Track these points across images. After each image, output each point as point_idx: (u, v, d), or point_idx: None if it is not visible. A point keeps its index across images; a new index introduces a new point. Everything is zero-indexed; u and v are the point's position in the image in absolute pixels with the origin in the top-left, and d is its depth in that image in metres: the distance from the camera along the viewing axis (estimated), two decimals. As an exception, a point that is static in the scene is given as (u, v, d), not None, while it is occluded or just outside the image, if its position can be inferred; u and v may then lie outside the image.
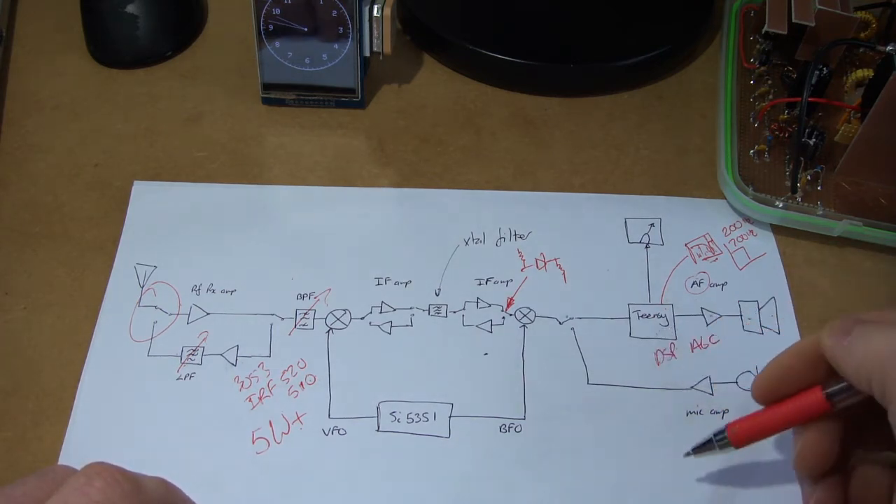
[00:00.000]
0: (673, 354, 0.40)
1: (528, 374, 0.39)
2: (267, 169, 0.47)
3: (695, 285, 0.43)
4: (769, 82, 0.49)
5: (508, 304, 0.41)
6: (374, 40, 0.46)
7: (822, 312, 0.42)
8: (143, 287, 0.41)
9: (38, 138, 0.48)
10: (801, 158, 0.44)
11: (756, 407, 0.34)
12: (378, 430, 0.37)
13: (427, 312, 0.41)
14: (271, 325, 0.40)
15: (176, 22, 0.53)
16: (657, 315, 0.41)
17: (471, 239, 0.44)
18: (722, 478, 0.36)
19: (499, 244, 0.44)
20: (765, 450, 0.37)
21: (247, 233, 0.44)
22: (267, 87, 0.49)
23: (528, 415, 0.38)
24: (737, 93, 0.49)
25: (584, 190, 0.46)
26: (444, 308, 0.41)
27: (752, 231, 0.45)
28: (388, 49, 0.47)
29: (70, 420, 0.37)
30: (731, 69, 0.50)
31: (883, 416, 0.28)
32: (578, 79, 0.51)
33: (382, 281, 0.42)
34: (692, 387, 0.39)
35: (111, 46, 0.52)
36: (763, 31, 0.47)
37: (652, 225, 0.45)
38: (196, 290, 0.41)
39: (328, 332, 0.40)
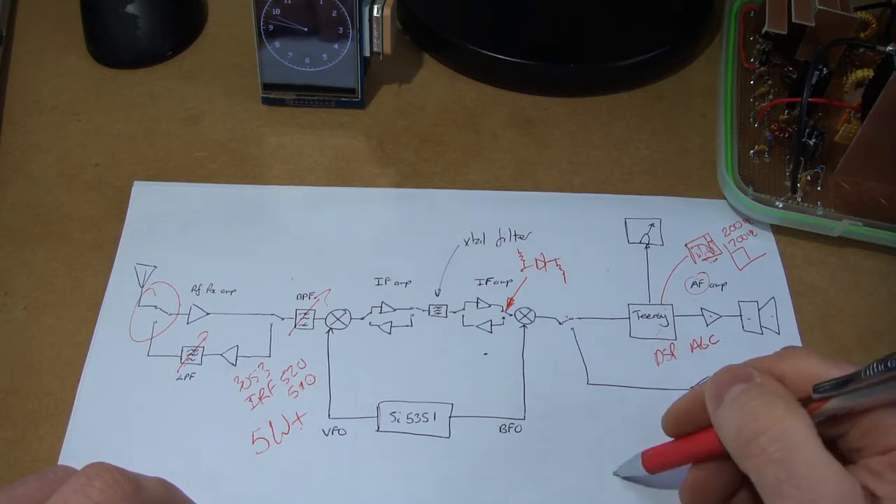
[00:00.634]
0: (673, 354, 0.40)
1: (528, 375, 0.39)
2: (267, 169, 0.47)
3: (695, 285, 0.43)
4: (769, 82, 0.49)
5: (508, 305, 0.41)
6: (374, 40, 0.46)
7: (822, 312, 0.42)
8: (143, 287, 0.41)
9: (38, 138, 0.48)
10: (801, 158, 0.44)
11: None
12: (378, 430, 0.37)
13: (427, 312, 0.41)
14: (271, 325, 0.40)
15: (176, 22, 0.53)
16: (657, 315, 0.41)
17: (471, 239, 0.44)
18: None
19: (499, 244, 0.44)
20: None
21: (247, 233, 0.44)
22: (267, 87, 0.49)
23: (528, 415, 0.38)
24: (737, 93, 0.49)
25: (584, 190, 0.46)
26: (444, 308, 0.41)
27: (752, 231, 0.45)
28: (388, 49, 0.47)
29: (70, 420, 0.37)
30: (731, 69, 0.50)
31: None
32: (578, 79, 0.51)
33: (382, 281, 0.42)
34: (692, 387, 0.39)
35: (111, 46, 0.52)
36: (763, 31, 0.47)
37: (652, 225, 0.45)
38: (196, 290, 0.41)
39: (328, 332, 0.40)
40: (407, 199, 0.45)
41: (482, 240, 0.44)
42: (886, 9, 0.49)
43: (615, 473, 0.36)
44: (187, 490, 0.28)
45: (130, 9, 0.52)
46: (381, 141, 0.48)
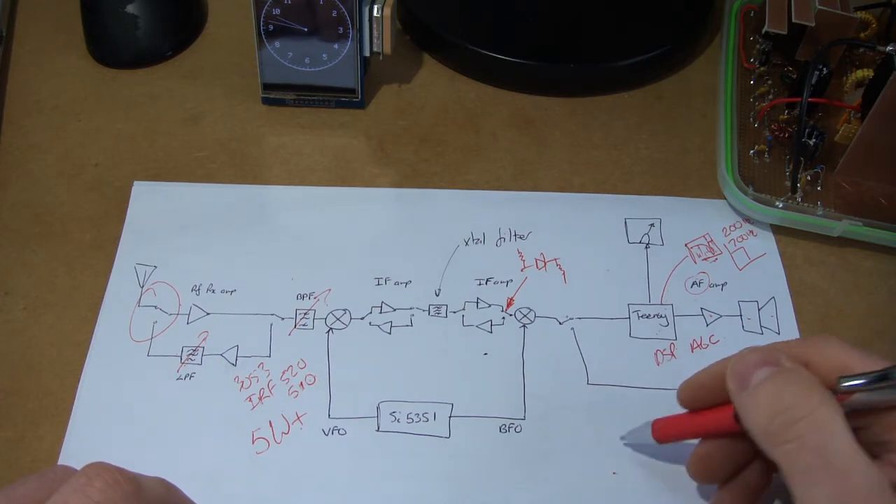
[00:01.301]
0: (673, 355, 0.40)
1: (528, 374, 0.39)
2: (267, 169, 0.47)
3: (695, 285, 0.43)
4: (769, 82, 0.49)
5: (508, 305, 0.41)
6: (374, 40, 0.46)
7: (822, 312, 0.42)
8: (143, 287, 0.41)
9: (38, 138, 0.48)
10: (801, 158, 0.44)
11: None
12: (378, 430, 0.37)
13: (427, 312, 0.41)
14: (271, 325, 0.40)
15: (176, 22, 0.53)
16: (657, 315, 0.41)
17: (471, 239, 0.44)
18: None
19: (499, 244, 0.44)
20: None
21: (247, 233, 0.44)
22: (267, 87, 0.49)
23: (528, 415, 0.38)
24: (737, 93, 0.49)
25: (584, 190, 0.46)
26: (444, 308, 0.41)
27: (752, 231, 0.45)
28: (388, 49, 0.47)
29: (70, 420, 0.37)
30: (731, 69, 0.50)
31: None
32: (578, 79, 0.51)
33: (382, 281, 0.42)
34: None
35: (111, 46, 0.52)
36: (763, 31, 0.47)
37: (652, 225, 0.45)
38: (196, 290, 0.41)
39: (328, 332, 0.40)
40: (407, 199, 0.45)
41: (482, 240, 0.44)
42: (886, 9, 0.49)
43: (622, 438, 0.37)
44: (187, 490, 0.28)
45: (130, 9, 0.52)
46: (381, 141, 0.48)
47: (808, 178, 0.45)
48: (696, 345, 0.41)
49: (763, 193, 0.44)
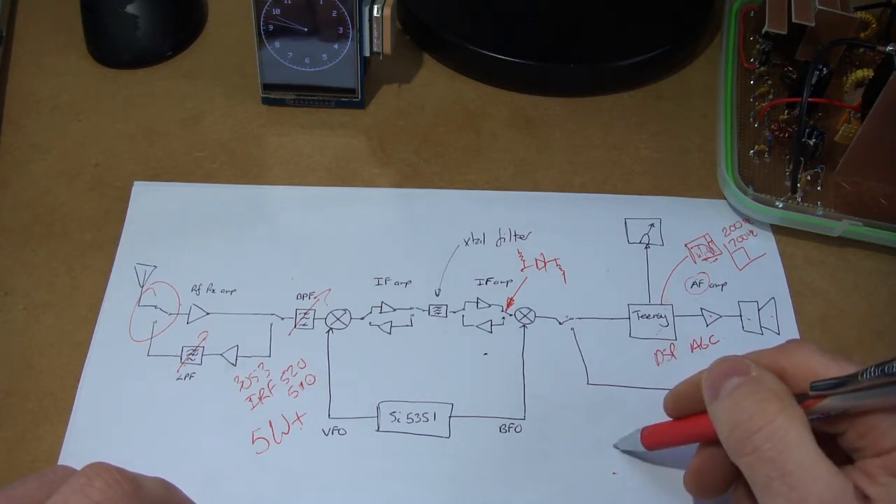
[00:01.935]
0: (673, 355, 0.40)
1: (528, 375, 0.39)
2: (267, 169, 0.47)
3: (695, 286, 0.43)
4: (769, 82, 0.49)
5: (508, 305, 0.41)
6: (374, 40, 0.46)
7: (822, 312, 0.42)
8: (142, 287, 0.41)
9: (38, 138, 0.48)
10: (801, 158, 0.44)
11: None
12: (378, 430, 0.37)
13: (427, 312, 0.41)
14: (271, 325, 0.40)
15: (176, 22, 0.53)
16: (657, 315, 0.41)
17: (471, 239, 0.44)
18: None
19: (499, 244, 0.44)
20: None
21: (247, 233, 0.44)
22: (267, 87, 0.49)
23: (528, 415, 0.38)
24: (737, 93, 0.49)
25: (584, 190, 0.46)
26: (444, 308, 0.41)
27: (752, 231, 0.45)
28: (388, 49, 0.47)
29: (70, 420, 0.37)
30: (731, 69, 0.50)
31: None
32: (578, 79, 0.51)
33: (382, 281, 0.42)
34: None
35: (111, 46, 0.52)
36: (763, 31, 0.47)
37: (652, 225, 0.45)
38: (196, 290, 0.41)
39: (328, 332, 0.40)
40: (407, 199, 0.45)
41: (482, 240, 0.44)
42: (886, 9, 0.49)
43: (615, 446, 0.37)
44: (187, 490, 0.28)
45: (130, 9, 0.52)
46: (381, 141, 0.48)
47: (808, 178, 0.45)
48: (696, 345, 0.41)
49: (763, 193, 0.44)
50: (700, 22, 0.53)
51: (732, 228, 0.45)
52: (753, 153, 0.46)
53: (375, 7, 0.45)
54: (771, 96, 0.49)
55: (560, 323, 0.41)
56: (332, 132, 0.49)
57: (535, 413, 0.38)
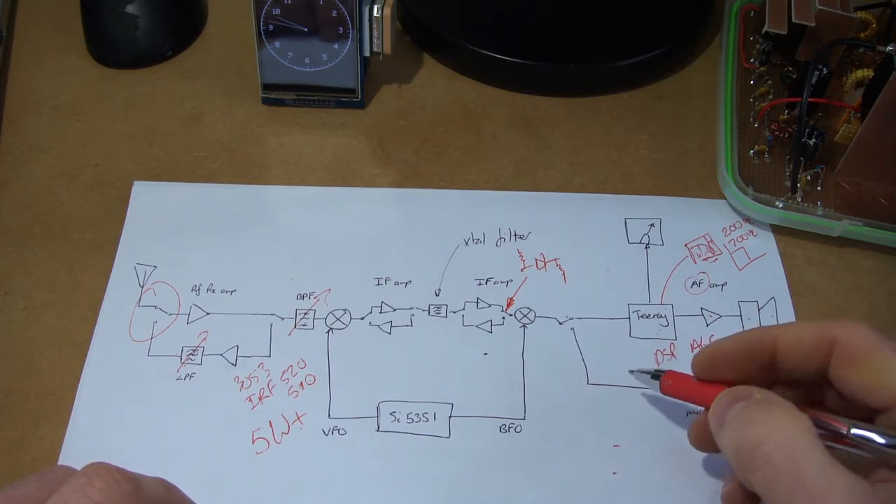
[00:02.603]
0: (673, 354, 0.40)
1: (528, 375, 0.39)
2: (267, 169, 0.47)
3: (695, 285, 0.43)
4: (769, 82, 0.49)
5: (508, 305, 0.41)
6: (374, 40, 0.46)
7: (822, 312, 0.42)
8: (142, 287, 0.41)
9: (38, 138, 0.48)
10: (801, 158, 0.44)
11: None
12: (378, 430, 0.37)
13: (427, 312, 0.41)
14: (271, 325, 0.40)
15: (176, 22, 0.53)
16: (657, 315, 0.41)
17: (471, 239, 0.44)
18: (720, 478, 0.36)
19: (499, 244, 0.44)
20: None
21: (247, 233, 0.44)
22: (267, 87, 0.49)
23: (528, 415, 0.38)
24: (737, 93, 0.49)
25: (584, 190, 0.46)
26: (444, 308, 0.41)
27: (752, 231, 0.45)
28: (388, 49, 0.47)
29: (70, 420, 0.37)
30: (731, 69, 0.50)
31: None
32: (578, 79, 0.51)
33: (382, 281, 0.42)
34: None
35: (111, 46, 0.52)
36: (763, 31, 0.47)
37: (652, 225, 0.45)
38: (196, 290, 0.41)
39: (328, 332, 0.40)
40: (407, 199, 0.45)
41: (482, 240, 0.44)
42: (886, 9, 0.49)
43: (630, 371, 0.38)
44: (187, 490, 0.28)
45: (130, 9, 0.52)
46: (381, 141, 0.48)
47: (808, 178, 0.45)
48: (695, 345, 0.41)
49: (763, 193, 0.44)
50: (700, 22, 0.53)
51: (732, 228, 0.45)
52: (753, 153, 0.46)
53: (375, 7, 0.45)
54: (771, 96, 0.49)
55: (560, 323, 0.41)
56: (332, 132, 0.49)
57: (535, 413, 0.38)
